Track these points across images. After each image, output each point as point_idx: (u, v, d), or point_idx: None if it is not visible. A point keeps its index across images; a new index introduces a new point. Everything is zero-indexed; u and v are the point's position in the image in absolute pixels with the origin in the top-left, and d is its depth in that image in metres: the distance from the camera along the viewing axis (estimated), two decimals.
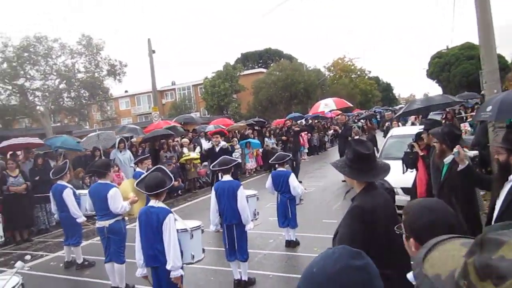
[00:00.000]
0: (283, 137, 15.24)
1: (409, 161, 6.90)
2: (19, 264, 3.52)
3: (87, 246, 8.81)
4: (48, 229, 10.78)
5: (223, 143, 13.63)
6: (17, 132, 17.84)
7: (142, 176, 4.83)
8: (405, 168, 7.14)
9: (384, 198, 2.98)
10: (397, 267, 2.77)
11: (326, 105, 16.15)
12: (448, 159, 4.93)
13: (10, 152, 12.15)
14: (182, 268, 4.40)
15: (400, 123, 17.24)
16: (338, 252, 1.40)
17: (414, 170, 6.99)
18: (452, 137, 5.00)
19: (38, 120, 23.63)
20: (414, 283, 1.73)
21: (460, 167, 4.40)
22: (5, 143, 12.07)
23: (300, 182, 14.49)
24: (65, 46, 23.24)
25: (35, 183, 10.39)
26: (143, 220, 4.44)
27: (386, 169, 3.03)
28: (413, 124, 14.90)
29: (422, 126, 8.19)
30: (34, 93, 23.24)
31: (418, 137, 7.00)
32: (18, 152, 12.12)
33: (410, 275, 1.67)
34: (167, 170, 4.77)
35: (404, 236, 1.94)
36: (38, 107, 23.57)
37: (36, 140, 12.72)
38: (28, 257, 8.51)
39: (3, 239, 7.42)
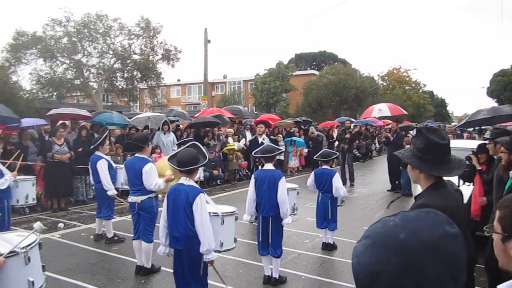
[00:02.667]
0: (347, 135, 14.55)
1: (465, 174, 6.31)
2: (37, 225, 3.33)
3: (120, 222, 8.73)
4: (86, 201, 10.85)
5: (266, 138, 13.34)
6: (69, 106, 18.23)
7: (176, 151, 4.53)
8: (461, 182, 6.54)
9: (456, 200, 2.51)
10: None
11: (380, 111, 15.24)
12: None
13: (60, 122, 12.34)
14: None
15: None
16: (431, 216, 1.14)
17: (471, 185, 6.40)
18: None
19: (91, 96, 24.18)
20: None
21: None
22: (54, 110, 12.30)
23: (352, 185, 14.16)
24: (123, 27, 23.62)
25: (78, 154, 10.45)
26: (171, 199, 4.14)
27: (462, 164, 2.57)
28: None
29: (481, 142, 7.56)
30: (89, 70, 23.76)
31: (479, 149, 6.41)
32: (67, 123, 12.28)
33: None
34: (201, 147, 4.45)
35: (499, 237, 1.54)
36: (92, 84, 24.11)
37: (84, 112, 12.84)
38: (61, 225, 8.62)
39: (35, 201, 7.40)
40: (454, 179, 6.66)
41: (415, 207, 2.49)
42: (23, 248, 3.04)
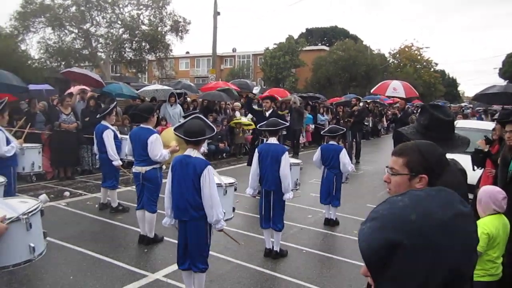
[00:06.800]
0: (345, 121, 14.41)
1: (478, 159, 6.24)
2: (43, 197, 3.38)
3: (125, 192, 8.81)
4: (92, 170, 10.91)
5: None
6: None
7: (182, 122, 4.50)
8: (475, 167, 6.46)
9: (457, 178, 2.48)
10: None
11: (395, 90, 14.76)
12: None
13: (68, 92, 12.33)
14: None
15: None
16: (442, 195, 1.08)
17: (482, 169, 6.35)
18: None
19: (99, 67, 24.13)
20: None
21: None
22: (74, 69, 12.27)
23: (358, 162, 14.13)
24: None
25: (85, 123, 10.47)
26: (177, 170, 4.11)
27: (466, 142, 2.54)
28: None
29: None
30: (98, 40, 23.66)
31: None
32: (74, 92, 12.26)
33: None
34: (206, 120, 4.42)
35: (407, 176, 1.95)
36: (100, 54, 24.03)
37: (98, 77, 12.76)
38: (67, 193, 8.71)
39: (41, 169, 7.50)
40: (463, 160, 6.60)
41: None
42: (24, 214, 3.07)
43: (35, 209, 3.20)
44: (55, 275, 4.94)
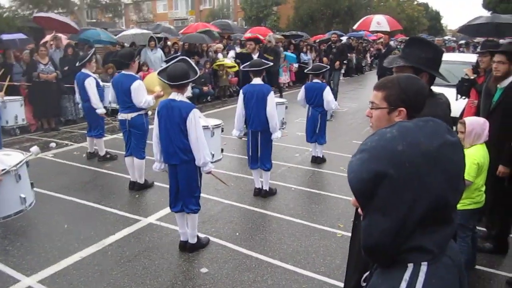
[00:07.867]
0: (324, 59, 14.02)
1: (463, 88, 6.26)
2: (34, 148, 3.36)
3: (111, 139, 8.78)
4: (76, 120, 10.79)
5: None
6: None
7: (165, 66, 4.42)
8: (458, 96, 6.50)
9: (443, 110, 2.54)
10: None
11: (378, 24, 14.50)
12: (505, 83, 4.38)
13: (43, 41, 11.94)
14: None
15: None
16: (430, 125, 1.10)
17: (466, 99, 6.39)
18: None
19: (73, 13, 23.23)
20: None
21: None
22: (43, 14, 11.81)
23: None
24: None
25: (64, 72, 10.22)
26: (163, 115, 4.10)
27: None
28: None
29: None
30: None
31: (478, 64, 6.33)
32: (48, 38, 11.89)
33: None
34: (191, 62, 4.35)
35: (386, 110, 1.97)
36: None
37: (73, 23, 12.34)
38: (53, 144, 8.63)
39: (25, 122, 7.41)
40: (448, 95, 6.58)
41: None
42: (13, 166, 3.07)
43: (22, 161, 3.20)
44: (49, 224, 5.01)
